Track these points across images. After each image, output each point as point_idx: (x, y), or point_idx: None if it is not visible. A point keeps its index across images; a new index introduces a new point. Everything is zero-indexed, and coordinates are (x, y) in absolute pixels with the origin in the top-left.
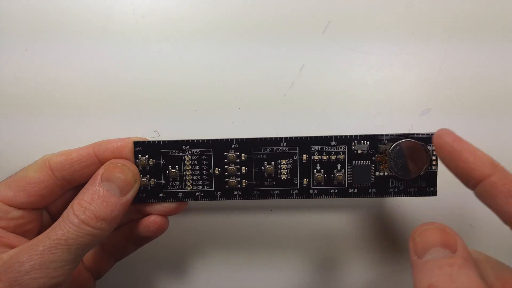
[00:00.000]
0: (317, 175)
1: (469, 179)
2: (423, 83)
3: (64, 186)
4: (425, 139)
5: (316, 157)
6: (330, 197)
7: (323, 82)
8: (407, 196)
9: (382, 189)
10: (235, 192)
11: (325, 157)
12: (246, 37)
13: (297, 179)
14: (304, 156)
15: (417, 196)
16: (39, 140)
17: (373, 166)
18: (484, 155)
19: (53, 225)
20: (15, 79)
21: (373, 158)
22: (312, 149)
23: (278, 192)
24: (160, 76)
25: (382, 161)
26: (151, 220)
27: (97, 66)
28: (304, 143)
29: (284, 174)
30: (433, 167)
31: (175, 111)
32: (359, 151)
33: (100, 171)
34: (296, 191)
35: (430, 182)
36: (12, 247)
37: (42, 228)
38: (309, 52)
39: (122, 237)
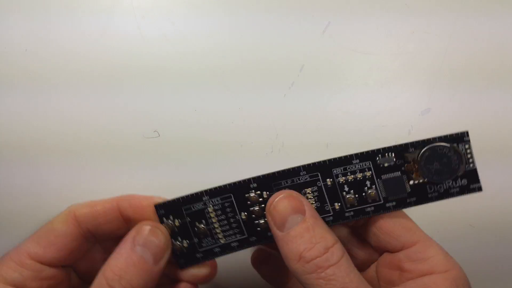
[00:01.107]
0: (348, 197)
1: (385, 247)
2: (423, 83)
3: (89, 239)
4: (454, 139)
5: (342, 179)
6: (368, 216)
7: (323, 82)
8: (450, 197)
9: (422, 196)
10: (269, 233)
11: (350, 177)
12: (246, 37)
13: (327, 205)
14: (329, 181)
15: (461, 195)
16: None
17: (405, 176)
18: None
19: None
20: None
21: (403, 168)
22: (335, 171)
23: None
24: (160, 76)
25: (413, 169)
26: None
27: (97, 66)
28: (324, 168)
29: (313, 203)
30: (471, 165)
31: (175, 111)
32: (386, 165)
33: (132, 233)
34: (331, 217)
35: (472, 179)
36: None
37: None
38: (309, 52)
39: None
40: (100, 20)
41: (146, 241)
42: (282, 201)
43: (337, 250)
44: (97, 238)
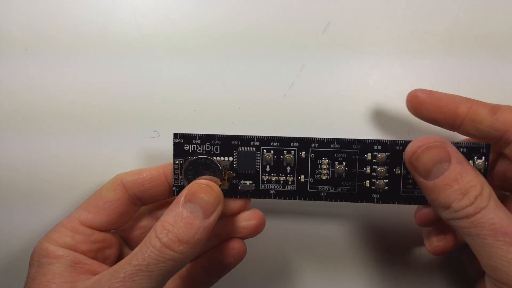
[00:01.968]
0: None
1: (456, 118)
2: (423, 83)
3: (137, 204)
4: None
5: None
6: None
7: (323, 82)
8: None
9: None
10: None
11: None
12: (246, 37)
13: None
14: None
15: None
16: (42, 141)
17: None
18: (458, 96)
19: (135, 250)
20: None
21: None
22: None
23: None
24: (160, 76)
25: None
26: (230, 246)
27: (96, 65)
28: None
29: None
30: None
31: (175, 111)
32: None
33: (184, 192)
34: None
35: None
36: (95, 273)
37: (121, 255)
38: (309, 52)
39: (201, 269)
40: (100, 20)
41: (196, 198)
42: (425, 153)
43: (485, 195)
44: (144, 202)
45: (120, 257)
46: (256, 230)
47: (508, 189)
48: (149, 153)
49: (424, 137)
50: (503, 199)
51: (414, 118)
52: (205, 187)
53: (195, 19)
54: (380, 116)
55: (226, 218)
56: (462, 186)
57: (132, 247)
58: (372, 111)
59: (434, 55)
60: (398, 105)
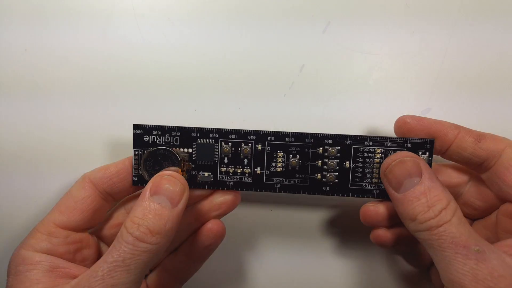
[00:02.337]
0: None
1: (443, 145)
2: (424, 82)
3: (108, 199)
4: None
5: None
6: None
7: (323, 82)
8: None
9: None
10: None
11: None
12: (246, 37)
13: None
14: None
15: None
16: (41, 135)
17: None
18: (447, 122)
19: (109, 249)
20: (15, 76)
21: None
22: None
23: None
24: (159, 76)
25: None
26: (209, 227)
27: (97, 66)
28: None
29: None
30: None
31: (175, 111)
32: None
33: (148, 185)
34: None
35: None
36: (74, 277)
37: (100, 255)
38: (309, 52)
39: (183, 256)
40: (100, 21)
41: (161, 189)
42: (398, 166)
43: (450, 210)
44: (115, 197)
45: (99, 257)
46: (234, 204)
47: (472, 216)
48: None
49: (399, 152)
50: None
51: None
52: (168, 178)
53: (195, 19)
54: (380, 116)
55: (202, 200)
56: (429, 199)
57: (108, 243)
58: (372, 111)
59: (434, 55)
60: (398, 105)
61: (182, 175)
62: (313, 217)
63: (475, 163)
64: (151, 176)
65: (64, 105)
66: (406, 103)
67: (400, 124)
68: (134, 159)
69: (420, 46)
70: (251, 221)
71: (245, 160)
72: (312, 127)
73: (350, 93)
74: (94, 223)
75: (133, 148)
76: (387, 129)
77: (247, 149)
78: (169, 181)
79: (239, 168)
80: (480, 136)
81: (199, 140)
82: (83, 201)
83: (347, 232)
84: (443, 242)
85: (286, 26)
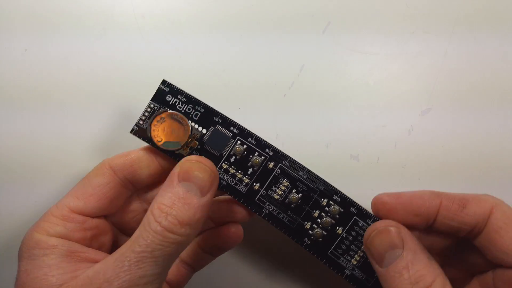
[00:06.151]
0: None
1: (429, 218)
2: (424, 83)
3: (128, 186)
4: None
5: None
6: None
7: (323, 82)
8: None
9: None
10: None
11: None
12: (246, 37)
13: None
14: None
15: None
16: (39, 136)
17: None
18: (426, 192)
19: (135, 236)
20: (14, 77)
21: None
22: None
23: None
24: (159, 76)
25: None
26: (228, 229)
27: (97, 66)
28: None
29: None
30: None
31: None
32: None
33: (176, 170)
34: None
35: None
36: (93, 261)
37: (116, 241)
38: (309, 52)
39: (198, 248)
40: (100, 20)
41: (191, 176)
42: (378, 236)
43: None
44: (135, 185)
45: (114, 243)
46: (251, 214)
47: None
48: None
49: (381, 221)
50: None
51: (414, 119)
52: (198, 164)
53: (195, 19)
54: (380, 116)
55: (221, 201)
56: (411, 275)
57: (125, 232)
58: (372, 110)
59: (435, 54)
60: (399, 105)
61: (184, 149)
62: None
63: (466, 231)
64: (150, 135)
65: (62, 109)
66: (406, 103)
67: (378, 205)
68: (146, 110)
69: (420, 46)
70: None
71: (250, 170)
72: (312, 127)
73: (350, 93)
74: (111, 210)
75: (151, 100)
76: (388, 129)
77: (258, 160)
78: (199, 167)
79: (240, 173)
80: (463, 201)
81: (217, 127)
82: (102, 187)
83: None
84: None
85: (286, 27)
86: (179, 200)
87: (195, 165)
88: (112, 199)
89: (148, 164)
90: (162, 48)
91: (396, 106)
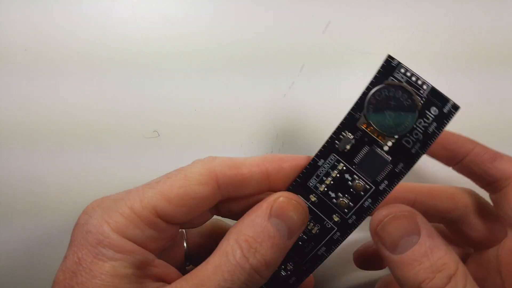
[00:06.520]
0: (339, 202)
1: (456, 157)
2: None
3: (224, 205)
4: (385, 74)
5: (322, 188)
6: (370, 211)
7: (323, 82)
8: (435, 138)
9: (406, 156)
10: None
11: (328, 181)
12: (246, 37)
13: (327, 222)
14: (312, 197)
15: (444, 127)
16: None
17: (374, 146)
18: (463, 136)
19: (215, 265)
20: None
21: (366, 139)
22: (311, 184)
23: (324, 249)
24: (159, 76)
25: (374, 134)
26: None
27: (96, 65)
28: (300, 187)
29: (313, 228)
30: (425, 87)
31: (175, 111)
32: (348, 147)
33: (269, 203)
34: (338, 233)
35: (439, 101)
36: (161, 280)
37: (183, 254)
38: (309, 52)
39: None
40: (99, 18)
41: (284, 214)
42: (392, 222)
43: (461, 277)
44: (231, 203)
45: (182, 256)
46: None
47: (473, 244)
48: (149, 153)
49: (392, 205)
50: (466, 258)
51: None
52: (295, 204)
53: (195, 19)
54: None
55: None
56: (433, 263)
57: (188, 244)
58: None
59: (435, 54)
60: None
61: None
62: None
63: (485, 182)
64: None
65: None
66: None
67: None
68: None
69: (420, 45)
70: None
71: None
72: (312, 127)
73: (350, 93)
74: (194, 225)
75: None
76: None
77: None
78: (295, 208)
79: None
80: (496, 155)
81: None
82: (201, 200)
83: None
84: None
85: (286, 26)
86: (268, 238)
87: (292, 205)
88: (202, 214)
89: (257, 183)
90: (161, 48)
91: None
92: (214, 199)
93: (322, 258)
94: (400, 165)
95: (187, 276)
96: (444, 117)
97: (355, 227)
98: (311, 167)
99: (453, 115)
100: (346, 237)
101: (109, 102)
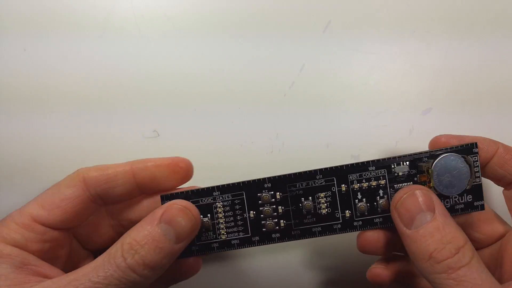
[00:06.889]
0: (360, 205)
1: (483, 161)
2: (424, 82)
3: (97, 202)
4: (466, 150)
5: (356, 186)
6: (375, 227)
7: (323, 81)
8: (455, 214)
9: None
10: (273, 235)
11: (365, 185)
12: (246, 36)
13: (338, 213)
14: (343, 187)
15: (465, 212)
16: (41, 137)
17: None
18: (482, 137)
19: (97, 263)
20: (14, 78)
21: (415, 179)
22: (350, 177)
23: (320, 229)
24: (159, 76)
25: (426, 180)
26: (191, 262)
27: (96, 66)
28: (341, 173)
29: (324, 208)
30: (478, 179)
31: (174, 111)
32: (400, 173)
33: (160, 210)
34: (339, 225)
35: (476, 196)
36: (44, 277)
37: (72, 255)
38: (309, 52)
39: None
40: (98, 19)
41: (173, 220)
42: (410, 198)
43: (468, 250)
44: (105, 201)
45: (70, 256)
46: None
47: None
48: (148, 153)
49: (411, 186)
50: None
51: (415, 118)
52: (184, 210)
53: (195, 18)
54: (381, 116)
55: None
56: (444, 236)
57: (84, 245)
58: (372, 110)
59: (435, 53)
60: (399, 104)
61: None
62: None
63: (506, 181)
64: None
65: (61, 112)
66: (407, 103)
67: (434, 144)
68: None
69: (421, 45)
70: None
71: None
72: (312, 127)
73: (351, 92)
74: (75, 224)
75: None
76: (388, 129)
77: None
78: (184, 214)
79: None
80: None
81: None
82: (70, 200)
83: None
84: None
85: (287, 26)
86: (153, 241)
87: (182, 211)
88: (78, 213)
89: (124, 182)
90: (161, 48)
91: (397, 106)
92: (84, 199)
93: (313, 235)
94: None
95: (69, 273)
96: (470, 207)
97: (355, 231)
98: (358, 166)
99: (475, 210)
100: (343, 233)
101: (109, 102)
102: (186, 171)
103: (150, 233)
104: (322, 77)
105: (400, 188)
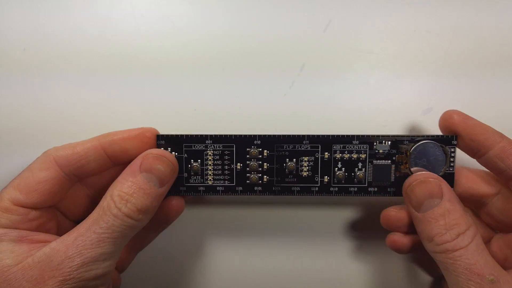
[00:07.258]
0: (338, 173)
1: (481, 148)
2: (425, 82)
3: (72, 179)
4: (445, 140)
5: (338, 156)
6: (349, 195)
7: (323, 81)
8: None
9: (401, 188)
10: (256, 188)
11: (346, 156)
12: (246, 36)
13: (318, 177)
14: (326, 154)
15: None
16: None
17: (393, 166)
18: (492, 128)
19: (93, 218)
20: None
21: (394, 158)
22: (334, 147)
23: (298, 188)
24: (159, 76)
25: (403, 161)
26: (174, 203)
27: (96, 65)
28: (326, 142)
29: (305, 171)
30: (451, 168)
31: (175, 111)
32: (381, 151)
33: (139, 161)
34: (317, 188)
35: (447, 182)
36: (45, 242)
37: (60, 225)
38: (309, 51)
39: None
40: (99, 17)
41: (152, 168)
42: (419, 186)
43: (468, 235)
44: (80, 177)
45: (59, 226)
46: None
47: (494, 227)
48: None
49: (422, 172)
50: (490, 238)
51: (415, 118)
52: (160, 157)
53: (195, 18)
54: (381, 116)
55: None
56: (447, 222)
57: (66, 215)
58: (372, 110)
59: (436, 53)
60: (399, 104)
61: None
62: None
63: (508, 176)
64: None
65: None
66: (408, 103)
67: (446, 117)
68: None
69: (421, 45)
70: (257, 221)
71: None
72: (313, 127)
73: (351, 92)
74: (55, 201)
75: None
76: (389, 129)
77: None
78: (161, 162)
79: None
80: None
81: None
82: (46, 183)
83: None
84: (457, 267)
85: (287, 25)
86: (139, 189)
87: (157, 159)
88: (56, 193)
89: (96, 158)
90: (161, 48)
91: (397, 105)
92: (59, 179)
93: (291, 193)
94: (392, 189)
95: (70, 231)
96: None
97: (331, 195)
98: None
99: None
100: (318, 196)
101: (108, 101)
102: (154, 140)
103: (135, 183)
104: (322, 77)
105: (380, 164)
